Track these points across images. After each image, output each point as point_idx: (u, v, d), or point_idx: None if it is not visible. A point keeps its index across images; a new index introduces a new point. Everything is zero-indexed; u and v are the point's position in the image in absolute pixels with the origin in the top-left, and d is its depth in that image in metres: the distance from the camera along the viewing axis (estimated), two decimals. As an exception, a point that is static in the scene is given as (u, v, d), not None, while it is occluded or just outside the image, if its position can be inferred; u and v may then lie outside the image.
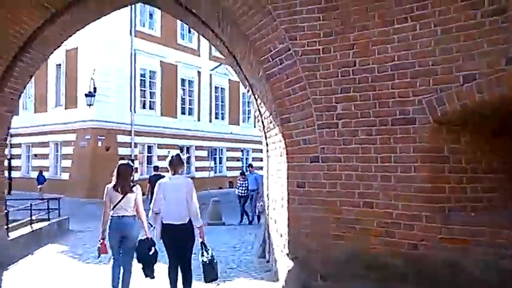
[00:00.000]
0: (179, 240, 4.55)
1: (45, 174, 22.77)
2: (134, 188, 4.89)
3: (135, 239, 4.81)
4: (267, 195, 6.06)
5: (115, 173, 4.93)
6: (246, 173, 15.02)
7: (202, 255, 4.56)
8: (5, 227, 6.90)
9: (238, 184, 14.39)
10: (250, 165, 15.41)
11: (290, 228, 4.22)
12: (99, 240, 4.90)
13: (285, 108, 4.07)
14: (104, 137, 20.59)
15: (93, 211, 16.29)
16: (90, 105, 19.63)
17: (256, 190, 12.67)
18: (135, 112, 22.03)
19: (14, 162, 24.69)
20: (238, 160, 29.42)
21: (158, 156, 23.25)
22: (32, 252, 8.01)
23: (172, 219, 4.55)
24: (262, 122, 5.36)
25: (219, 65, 27.24)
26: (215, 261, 4.63)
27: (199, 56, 26.18)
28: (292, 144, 4.08)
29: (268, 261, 6.30)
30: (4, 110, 5.43)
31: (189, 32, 25.68)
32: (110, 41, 20.68)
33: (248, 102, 30.46)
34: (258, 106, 5.43)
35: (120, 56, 21.22)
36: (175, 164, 4.80)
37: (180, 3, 5.55)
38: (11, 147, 24.90)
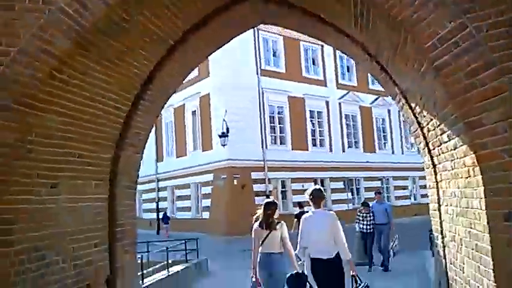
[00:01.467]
0: (329, 275, 4.57)
1: (188, 214, 23.98)
2: (278, 225, 5.04)
3: (282, 276, 4.87)
4: (440, 233, 4.63)
5: (261, 210, 5.23)
6: (369, 204, 11.45)
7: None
8: (139, 273, 6.64)
9: (360, 218, 10.71)
10: (378, 192, 11.90)
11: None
12: (252, 276, 5.12)
13: (469, 108, 2.79)
14: (238, 175, 20.83)
15: (232, 249, 16.21)
16: (224, 145, 20.18)
17: (388, 224, 10.36)
18: (266, 148, 22.00)
19: (162, 204, 26.61)
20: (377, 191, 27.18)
21: (293, 190, 22.68)
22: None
23: (319, 253, 4.62)
24: (425, 137, 4.09)
25: (347, 93, 26.09)
26: None
27: (325, 86, 25.45)
28: (489, 158, 2.74)
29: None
30: (132, 151, 5.15)
31: (313, 63, 25.29)
32: (239, 83, 21.24)
33: (383, 127, 28.40)
34: (415, 117, 4.20)
35: (248, 96, 21.65)
36: (317, 198, 4.90)
37: (304, 9, 4.72)
38: (159, 191, 27.05)
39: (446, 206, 4.08)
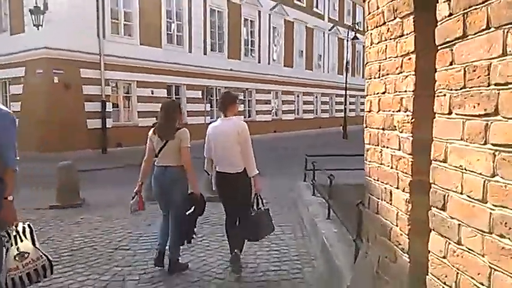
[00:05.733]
0: (233, 190, 4.08)
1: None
2: (177, 133, 4.07)
3: (182, 193, 4.11)
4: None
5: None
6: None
7: (251, 210, 4.07)
8: None
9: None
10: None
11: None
12: (135, 193, 4.16)
13: None
14: (62, 71, 15.30)
15: (39, 172, 11.29)
16: (38, 26, 14.26)
17: None
18: (104, 38, 16.58)
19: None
20: (239, 101, 24.35)
21: (139, 96, 18.17)
22: None
23: (224, 167, 4.11)
24: None
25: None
26: (264, 224, 4.10)
27: (189, -33, 20.26)
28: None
29: None
30: None
31: None
32: None
33: (251, 31, 24.91)
34: None
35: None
36: (226, 104, 4.20)
37: None
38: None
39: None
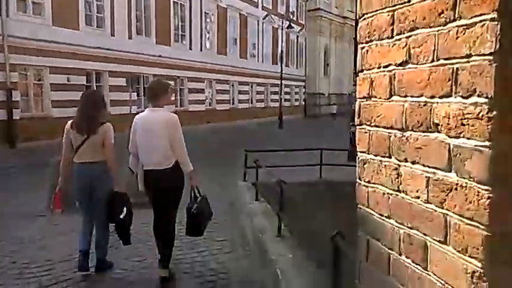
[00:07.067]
0: (162, 188, 3.67)
1: None
2: (101, 128, 3.76)
3: (106, 191, 3.74)
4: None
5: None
6: None
7: (190, 204, 3.75)
8: None
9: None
10: None
11: None
12: (54, 192, 3.90)
13: None
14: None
15: None
16: None
17: None
18: (7, 16, 14.23)
19: None
20: (171, 90, 22.69)
21: (52, 84, 16.00)
22: None
23: (152, 163, 3.69)
24: None
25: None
26: (205, 214, 3.78)
27: None
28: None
29: None
30: None
31: None
32: None
33: (182, 16, 23.30)
34: None
35: None
36: (154, 93, 3.80)
37: None
38: None
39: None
